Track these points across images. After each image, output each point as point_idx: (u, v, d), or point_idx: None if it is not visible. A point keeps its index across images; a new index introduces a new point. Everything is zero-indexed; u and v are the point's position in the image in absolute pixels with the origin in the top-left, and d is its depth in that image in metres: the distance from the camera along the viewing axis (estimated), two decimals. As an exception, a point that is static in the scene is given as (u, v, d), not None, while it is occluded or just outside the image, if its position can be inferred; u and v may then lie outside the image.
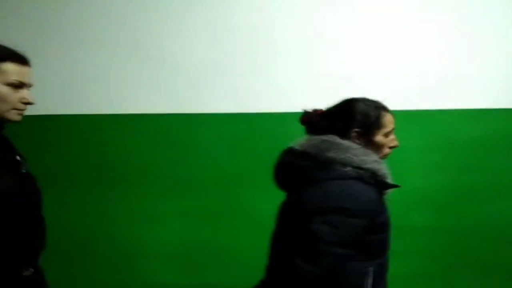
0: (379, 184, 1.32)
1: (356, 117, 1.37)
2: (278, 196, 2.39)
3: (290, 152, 1.40)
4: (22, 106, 1.24)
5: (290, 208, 1.37)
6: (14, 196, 1.19)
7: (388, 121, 1.39)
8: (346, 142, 1.32)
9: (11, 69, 1.21)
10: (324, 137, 1.34)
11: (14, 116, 1.24)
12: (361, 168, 1.29)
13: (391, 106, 2.29)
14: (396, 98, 2.22)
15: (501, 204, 2.42)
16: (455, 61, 2.42)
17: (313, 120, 1.43)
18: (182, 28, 2.46)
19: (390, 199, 1.42)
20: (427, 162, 2.41)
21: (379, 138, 1.37)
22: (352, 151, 1.30)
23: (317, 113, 1.43)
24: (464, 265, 2.44)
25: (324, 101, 2.41)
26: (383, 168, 1.33)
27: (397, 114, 2.32)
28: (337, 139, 1.33)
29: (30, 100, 1.26)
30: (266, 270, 1.43)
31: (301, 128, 2.23)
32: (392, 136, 1.41)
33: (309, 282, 1.18)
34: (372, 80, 2.38)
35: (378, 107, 1.40)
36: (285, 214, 1.41)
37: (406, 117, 2.32)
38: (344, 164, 1.29)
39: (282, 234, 1.39)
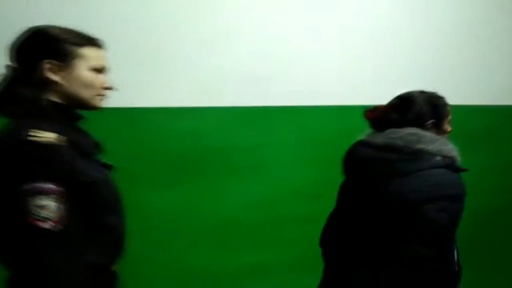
0: (457, 169, 1.38)
1: (429, 109, 1.44)
2: (160, 192, 2.31)
3: (369, 145, 1.43)
4: (104, 91, 1.21)
5: (375, 199, 1.39)
6: (107, 186, 1.17)
7: (450, 109, 1.49)
8: (429, 134, 1.39)
9: (92, 54, 1.16)
10: (409, 130, 1.38)
11: (99, 102, 1.20)
12: (446, 157, 1.36)
13: (262, 103, 2.31)
14: (270, 97, 2.24)
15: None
16: (325, 62, 2.45)
17: (385, 116, 1.46)
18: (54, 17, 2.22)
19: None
20: (301, 155, 2.47)
21: (445, 126, 1.47)
22: (438, 141, 1.37)
23: (384, 109, 1.48)
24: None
25: (204, 96, 2.38)
26: (459, 155, 1.40)
27: (272, 110, 2.36)
28: (421, 132, 1.38)
29: (111, 85, 1.22)
30: (345, 267, 1.47)
31: (178, 122, 2.19)
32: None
33: (428, 264, 1.30)
34: (252, 78, 2.37)
35: (440, 97, 1.50)
36: (365, 206, 1.42)
37: (282, 113, 2.36)
38: (434, 154, 1.34)
39: (365, 226, 1.42)
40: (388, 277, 1.33)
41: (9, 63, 1.17)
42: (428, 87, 2.42)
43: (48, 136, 1.02)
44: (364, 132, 2.37)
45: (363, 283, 1.40)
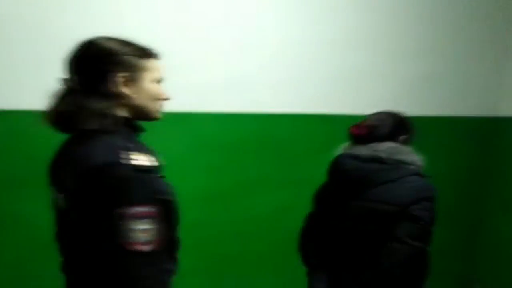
0: (424, 175, 1.62)
1: (401, 126, 1.68)
2: (41, 200, 2.13)
3: (356, 158, 1.63)
4: (163, 102, 1.20)
5: (365, 204, 1.59)
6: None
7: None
8: (404, 147, 1.64)
9: (154, 66, 1.16)
10: (389, 144, 1.62)
11: (159, 114, 1.20)
12: (417, 165, 1.61)
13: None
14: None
15: (261, 197, 2.60)
16: (216, 69, 2.40)
17: (368, 132, 1.65)
18: None
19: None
20: (192, 162, 2.46)
21: (411, 140, 1.70)
22: (412, 153, 1.63)
23: (367, 126, 1.66)
24: (233, 255, 2.61)
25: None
26: (423, 163, 1.65)
27: (168, 116, 2.24)
28: (399, 145, 1.63)
29: (168, 96, 1.20)
30: (337, 268, 1.66)
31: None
32: None
33: (420, 255, 1.55)
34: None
35: (407, 117, 1.72)
36: (354, 211, 1.61)
37: (171, 119, 2.27)
38: (409, 163, 1.60)
39: (356, 228, 1.61)
40: (384, 271, 1.54)
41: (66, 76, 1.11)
42: (306, 97, 2.54)
43: (142, 158, 1.03)
44: (248, 140, 2.41)
45: (361, 282, 1.58)
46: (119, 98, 1.10)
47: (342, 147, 1.73)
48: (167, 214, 1.10)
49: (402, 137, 1.67)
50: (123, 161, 0.99)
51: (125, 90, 1.10)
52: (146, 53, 1.15)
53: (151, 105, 1.16)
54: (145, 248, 0.99)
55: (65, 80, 1.10)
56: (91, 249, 1.02)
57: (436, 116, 2.80)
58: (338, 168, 1.68)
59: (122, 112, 1.11)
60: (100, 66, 1.08)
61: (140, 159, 1.03)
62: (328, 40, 2.57)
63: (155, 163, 1.07)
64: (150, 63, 1.15)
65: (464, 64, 2.91)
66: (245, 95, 2.47)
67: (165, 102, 1.22)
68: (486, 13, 2.87)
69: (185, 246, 2.32)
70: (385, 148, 1.61)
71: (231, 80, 2.43)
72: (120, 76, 1.09)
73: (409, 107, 2.76)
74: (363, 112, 2.67)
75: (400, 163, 1.59)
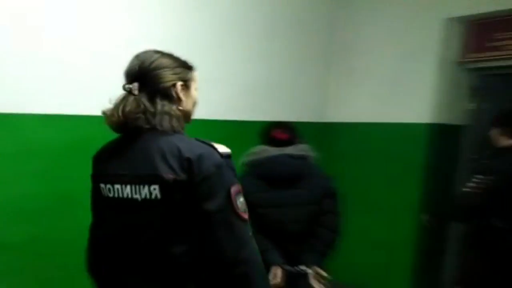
0: None
1: (298, 131, 2.17)
2: None
3: (289, 157, 2.05)
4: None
5: (294, 194, 2.06)
6: None
7: None
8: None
9: (196, 76, 1.38)
10: (304, 145, 2.13)
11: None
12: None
13: None
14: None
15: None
16: (41, 69, 2.24)
17: (293, 136, 2.12)
18: None
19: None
20: (19, 169, 2.21)
21: None
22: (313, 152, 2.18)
23: (289, 131, 2.13)
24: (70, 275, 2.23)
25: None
26: None
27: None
28: (308, 146, 2.16)
29: None
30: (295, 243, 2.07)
31: None
32: None
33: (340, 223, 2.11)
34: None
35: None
36: (287, 200, 2.06)
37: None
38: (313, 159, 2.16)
39: (297, 211, 2.06)
40: (331, 237, 2.06)
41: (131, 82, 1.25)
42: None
43: (222, 147, 1.26)
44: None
45: (311, 249, 2.03)
46: (178, 103, 1.29)
47: (261, 150, 2.09)
48: None
49: (302, 139, 2.16)
50: (216, 150, 1.23)
51: (182, 96, 1.30)
52: (189, 66, 1.36)
53: (193, 110, 1.38)
54: (246, 216, 1.24)
55: (127, 87, 1.25)
56: (194, 229, 1.20)
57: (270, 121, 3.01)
58: (275, 165, 2.04)
59: None
60: (165, 75, 1.27)
61: (221, 148, 1.25)
62: (166, 45, 2.57)
63: (229, 150, 1.28)
64: (194, 74, 1.37)
65: (296, 73, 3.21)
66: (73, 97, 2.35)
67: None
68: (317, 28, 3.23)
69: (10, 272, 2.09)
70: (306, 149, 2.11)
71: (54, 81, 2.29)
72: (180, 84, 1.29)
73: (245, 113, 2.96)
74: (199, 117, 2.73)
75: (311, 159, 2.12)
